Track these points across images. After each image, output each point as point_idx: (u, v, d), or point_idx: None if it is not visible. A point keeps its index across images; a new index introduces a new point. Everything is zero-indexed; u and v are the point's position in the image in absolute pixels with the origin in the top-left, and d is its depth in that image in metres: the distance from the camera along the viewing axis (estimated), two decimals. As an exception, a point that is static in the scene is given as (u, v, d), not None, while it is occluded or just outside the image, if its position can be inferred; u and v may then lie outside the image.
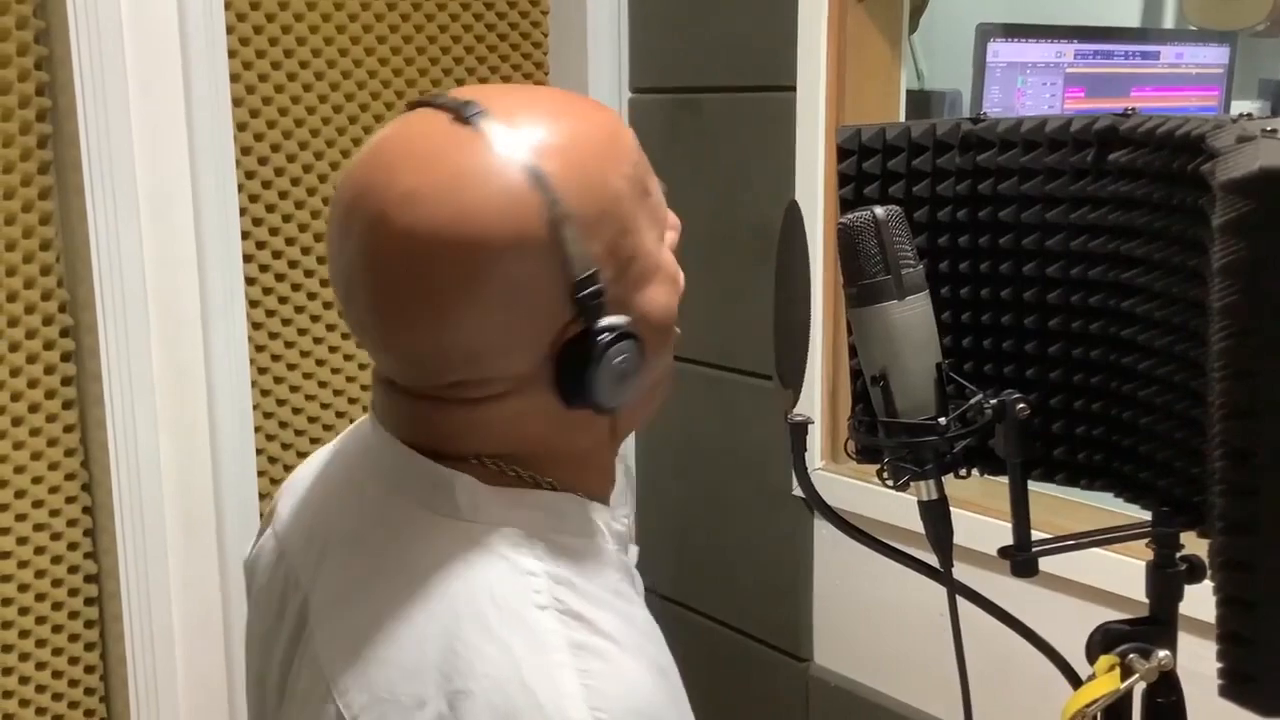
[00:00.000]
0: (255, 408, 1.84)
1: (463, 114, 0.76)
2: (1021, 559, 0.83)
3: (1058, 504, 1.36)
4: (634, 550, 0.89)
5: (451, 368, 0.78)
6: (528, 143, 0.75)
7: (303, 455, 1.91)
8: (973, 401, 0.81)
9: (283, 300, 1.87)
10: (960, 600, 0.84)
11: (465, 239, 0.74)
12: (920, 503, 0.83)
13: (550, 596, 0.76)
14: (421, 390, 0.80)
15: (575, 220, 0.74)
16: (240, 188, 1.79)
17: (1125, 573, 1.31)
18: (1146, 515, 0.84)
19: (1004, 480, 0.83)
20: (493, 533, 0.78)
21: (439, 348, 0.77)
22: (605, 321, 0.76)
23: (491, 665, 0.73)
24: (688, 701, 0.78)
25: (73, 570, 1.73)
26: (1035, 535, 0.83)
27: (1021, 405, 0.80)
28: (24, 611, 1.69)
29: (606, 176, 0.77)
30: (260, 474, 1.85)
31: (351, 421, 1.96)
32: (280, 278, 1.87)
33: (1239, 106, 2.50)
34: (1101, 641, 0.83)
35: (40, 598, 1.70)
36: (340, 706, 0.76)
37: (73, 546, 1.72)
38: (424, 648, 0.76)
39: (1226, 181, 0.63)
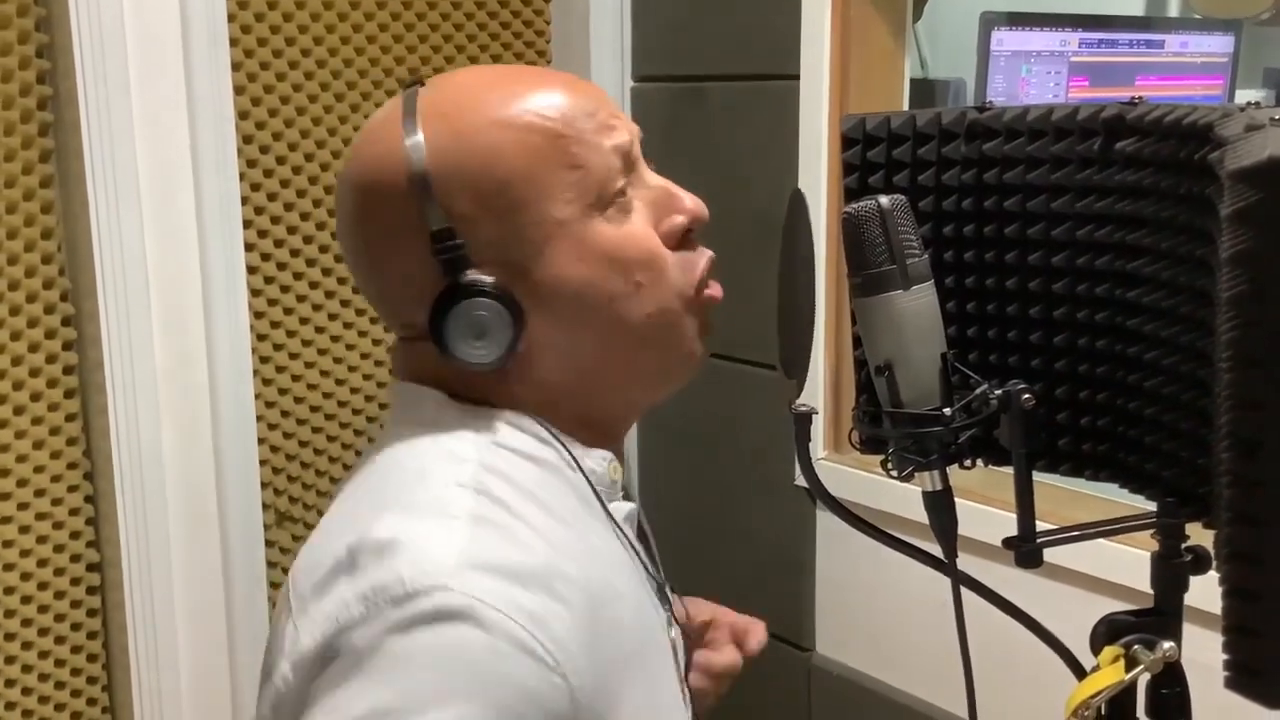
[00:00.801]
0: (257, 397, 1.84)
1: (407, 84, 0.88)
2: (1026, 550, 0.82)
3: (1062, 495, 1.36)
4: (627, 506, 0.92)
5: (387, 310, 0.90)
6: (427, 105, 0.85)
7: (305, 445, 1.92)
8: (978, 392, 0.80)
9: (285, 289, 1.87)
10: (964, 591, 0.83)
11: (352, 187, 0.88)
12: (924, 493, 0.82)
13: (474, 479, 0.82)
14: (396, 331, 0.92)
15: (438, 176, 0.83)
16: (241, 176, 1.78)
17: (1130, 564, 1.31)
18: (1152, 506, 0.84)
19: (1009, 471, 0.83)
20: (447, 433, 0.86)
21: (368, 290, 0.90)
22: (467, 277, 0.82)
23: (391, 519, 0.80)
24: (572, 616, 0.78)
25: (75, 559, 1.73)
26: (1040, 526, 0.83)
27: (1027, 395, 0.79)
28: (26, 601, 1.69)
29: (489, 138, 0.83)
30: (263, 462, 1.85)
31: (354, 410, 1.96)
32: (282, 266, 1.86)
33: (1244, 95, 2.50)
34: (1106, 633, 0.83)
35: (43, 587, 1.70)
36: (289, 587, 0.83)
37: (75, 535, 1.72)
38: (353, 518, 0.83)
39: (1235, 170, 0.63)
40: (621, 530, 0.91)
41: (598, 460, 0.90)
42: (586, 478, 0.88)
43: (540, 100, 0.86)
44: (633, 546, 0.91)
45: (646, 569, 0.94)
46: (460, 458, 0.83)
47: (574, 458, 0.87)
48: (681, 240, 0.90)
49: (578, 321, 0.86)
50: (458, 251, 0.83)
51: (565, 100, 0.86)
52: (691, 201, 0.90)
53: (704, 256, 0.91)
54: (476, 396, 0.88)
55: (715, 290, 0.92)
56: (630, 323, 0.87)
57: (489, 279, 0.83)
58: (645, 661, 0.88)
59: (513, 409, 0.87)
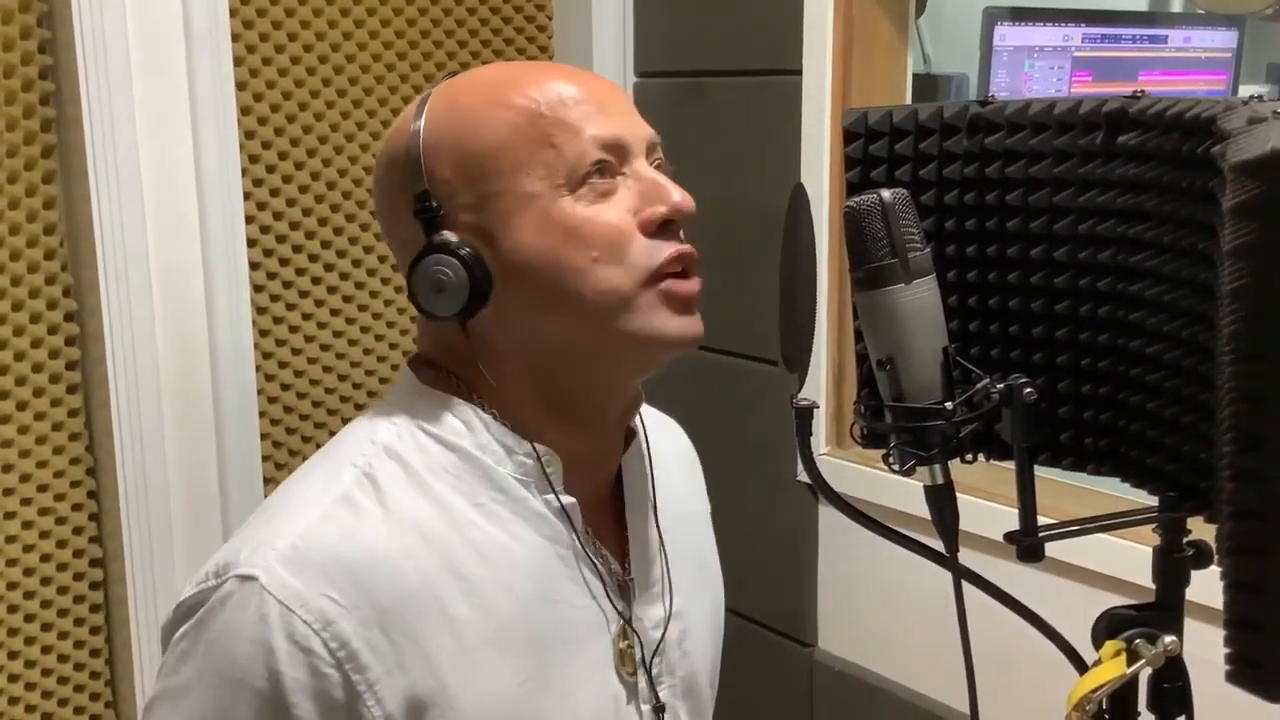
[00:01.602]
0: (259, 391, 1.84)
1: (446, 74, 0.98)
2: (1027, 544, 0.82)
3: (1064, 489, 1.36)
4: (565, 500, 0.94)
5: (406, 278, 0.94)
6: (444, 87, 0.94)
7: (307, 439, 1.92)
8: (979, 386, 0.80)
9: (287, 284, 1.87)
10: (966, 585, 0.83)
11: (378, 157, 0.97)
12: (926, 488, 0.82)
13: (368, 461, 0.90)
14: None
15: (428, 145, 0.91)
16: (243, 173, 1.79)
17: (1132, 558, 1.31)
18: (1153, 501, 0.84)
19: (1010, 465, 0.83)
20: (387, 412, 0.94)
21: (396, 258, 0.98)
22: (438, 237, 0.90)
23: (285, 486, 0.93)
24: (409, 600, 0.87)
25: (78, 554, 1.73)
26: (1041, 520, 0.82)
27: (1028, 390, 0.79)
28: (29, 595, 1.69)
29: (477, 113, 0.91)
30: (265, 457, 1.86)
31: (356, 406, 1.96)
32: (284, 262, 1.86)
33: (1247, 90, 2.49)
34: (1107, 627, 0.82)
35: (45, 581, 1.71)
36: None
37: (78, 530, 1.73)
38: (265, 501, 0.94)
39: (1237, 163, 0.63)
40: (572, 521, 0.94)
41: (528, 454, 0.93)
42: (529, 468, 0.93)
43: (532, 85, 0.91)
44: (577, 541, 0.94)
45: (596, 565, 0.96)
46: (374, 438, 0.92)
47: (504, 450, 0.92)
48: (659, 230, 0.91)
49: (540, 294, 0.90)
50: (434, 213, 0.90)
51: (556, 87, 0.91)
52: (678, 195, 0.91)
53: (674, 246, 0.92)
54: (457, 379, 0.94)
55: (684, 284, 0.92)
56: (584, 296, 0.89)
57: (454, 238, 0.90)
58: (520, 652, 0.91)
59: (480, 394, 0.93)
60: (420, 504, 0.90)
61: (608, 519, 1.00)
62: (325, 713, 0.83)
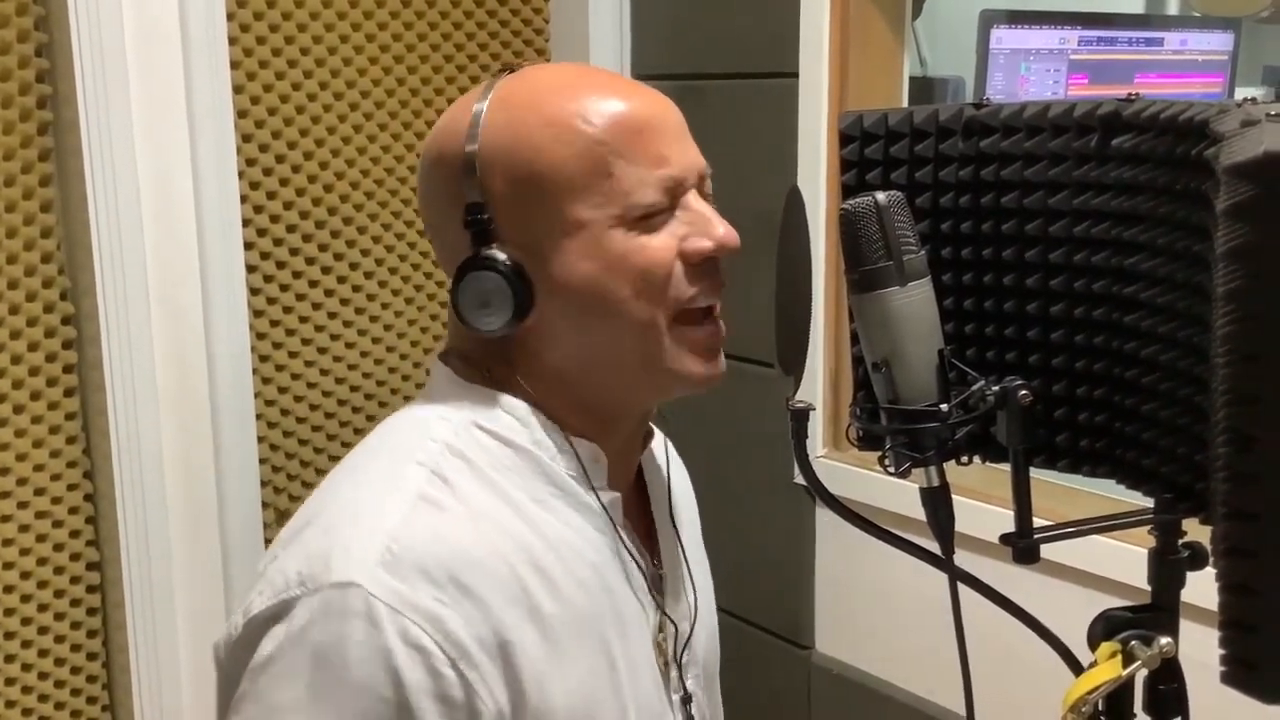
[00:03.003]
0: (256, 395, 1.84)
1: (502, 69, 0.95)
2: (1023, 546, 0.82)
3: (1060, 491, 1.36)
4: (612, 496, 0.95)
5: (447, 274, 0.94)
6: (501, 91, 0.92)
7: (304, 443, 1.92)
8: (975, 388, 0.80)
9: (284, 288, 1.87)
10: (962, 587, 0.83)
11: (425, 155, 0.96)
12: (921, 490, 0.82)
13: (433, 459, 0.89)
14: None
15: (483, 155, 0.90)
16: (240, 174, 1.78)
17: (1127, 560, 1.31)
18: (1149, 502, 0.84)
19: (1005, 467, 0.83)
20: (437, 409, 0.94)
21: (437, 255, 0.98)
22: (488, 250, 0.89)
23: (349, 489, 0.90)
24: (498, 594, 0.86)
25: (75, 557, 1.73)
26: (1037, 522, 0.83)
27: (1024, 392, 0.79)
28: (26, 599, 1.69)
29: (536, 133, 0.90)
30: (262, 461, 1.86)
31: (353, 409, 1.97)
32: (281, 265, 1.86)
33: (1243, 93, 2.49)
34: (1103, 628, 0.83)
35: (42, 585, 1.70)
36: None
37: (75, 534, 1.73)
38: (331, 480, 0.93)
39: (1230, 166, 0.63)
40: (611, 516, 0.95)
41: (581, 450, 0.94)
42: (574, 464, 0.93)
43: (593, 107, 0.90)
44: (619, 535, 0.95)
45: (635, 559, 0.97)
46: (432, 435, 0.91)
47: (555, 446, 0.92)
48: (701, 263, 0.92)
49: (580, 315, 0.90)
50: (484, 226, 0.90)
51: (619, 112, 0.90)
52: (723, 230, 0.92)
53: (706, 289, 0.93)
54: (493, 374, 0.94)
55: (710, 332, 0.94)
56: (623, 326, 0.90)
57: (503, 256, 0.89)
58: (593, 642, 0.92)
59: (517, 391, 0.93)
60: (493, 500, 0.89)
61: (634, 515, 1.02)
62: (448, 713, 0.83)
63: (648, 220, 0.90)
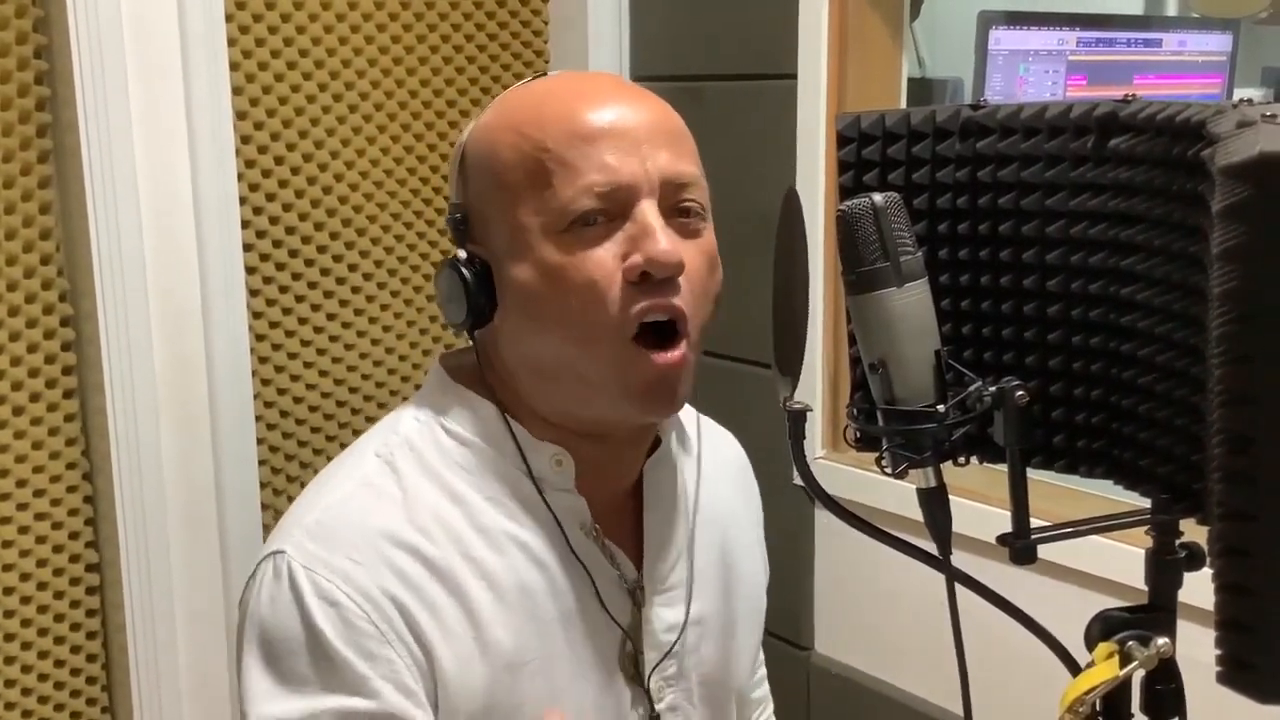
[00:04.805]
0: (256, 397, 1.84)
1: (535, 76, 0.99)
2: (1020, 546, 0.82)
3: (1056, 492, 1.36)
4: (570, 500, 0.96)
5: None
6: (502, 96, 0.98)
7: (303, 443, 1.92)
8: (972, 389, 0.80)
9: (283, 289, 1.87)
10: (960, 588, 0.83)
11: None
12: (919, 490, 0.83)
13: (389, 451, 0.96)
14: None
15: (467, 157, 0.96)
16: (239, 176, 1.79)
17: (1124, 560, 1.31)
18: (1146, 503, 0.84)
19: (1003, 468, 0.83)
20: (414, 407, 0.99)
21: None
22: (458, 250, 0.94)
23: (323, 476, 0.98)
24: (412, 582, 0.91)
25: (74, 559, 1.73)
26: (1034, 523, 0.83)
27: (1020, 392, 0.79)
28: (25, 601, 1.69)
29: (499, 139, 0.93)
30: (261, 463, 1.86)
31: (352, 410, 1.97)
32: (281, 266, 1.86)
33: (1242, 94, 2.49)
34: (1100, 629, 0.83)
35: (42, 587, 1.70)
36: None
37: (74, 536, 1.73)
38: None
39: (1226, 166, 0.63)
40: (560, 521, 0.96)
41: (539, 453, 0.95)
42: (530, 469, 0.95)
43: (553, 113, 0.91)
44: (566, 540, 0.96)
45: (608, 564, 0.97)
46: (397, 430, 0.97)
47: (514, 447, 0.95)
48: (641, 279, 0.89)
49: (525, 321, 0.93)
50: (459, 225, 0.95)
51: (574, 120, 0.90)
52: (663, 245, 0.88)
53: (650, 300, 0.89)
54: (478, 375, 0.98)
55: (661, 357, 0.90)
56: (565, 340, 0.90)
57: (464, 256, 0.94)
58: (528, 639, 0.93)
59: (491, 389, 0.97)
60: (435, 493, 0.94)
61: (627, 522, 1.01)
62: (369, 664, 0.87)
63: (585, 231, 0.89)
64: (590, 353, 0.90)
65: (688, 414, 1.09)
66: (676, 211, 0.92)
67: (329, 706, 0.86)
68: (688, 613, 1.02)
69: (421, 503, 0.93)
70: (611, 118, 0.90)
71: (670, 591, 1.01)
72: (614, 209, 0.89)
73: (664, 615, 1.00)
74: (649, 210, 0.90)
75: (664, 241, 0.88)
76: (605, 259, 0.89)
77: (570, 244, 0.89)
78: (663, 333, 0.90)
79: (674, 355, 0.90)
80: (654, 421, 0.98)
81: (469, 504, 0.94)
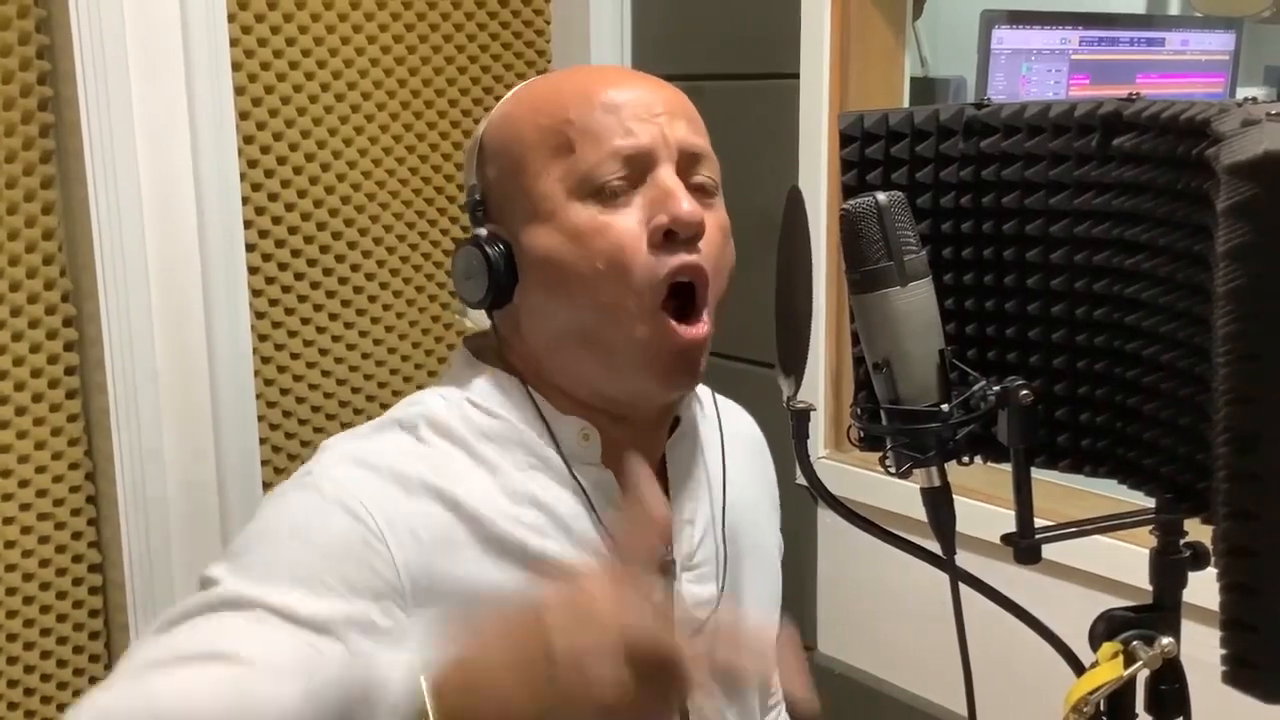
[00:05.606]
0: (258, 396, 1.84)
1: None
2: (1024, 546, 0.82)
3: (1061, 491, 1.36)
4: (596, 473, 0.96)
5: None
6: (519, 86, 1.00)
7: (306, 444, 1.92)
8: (976, 388, 0.80)
9: (286, 289, 1.87)
10: (964, 588, 0.83)
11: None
12: (923, 490, 0.82)
13: (412, 421, 0.95)
14: None
15: (485, 142, 0.97)
16: (242, 177, 1.79)
17: (1128, 560, 1.31)
18: (1150, 502, 0.84)
19: (1007, 467, 0.82)
20: (441, 385, 0.99)
21: None
22: (476, 230, 0.95)
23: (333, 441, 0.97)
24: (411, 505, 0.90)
25: (77, 559, 1.73)
26: (1038, 522, 0.82)
27: (1025, 392, 0.79)
28: (28, 601, 1.69)
29: (519, 120, 0.95)
30: (264, 462, 1.86)
31: (355, 410, 1.96)
32: (283, 266, 1.86)
33: (1245, 93, 2.49)
34: (1105, 628, 0.83)
35: (45, 587, 1.71)
36: None
37: (77, 535, 1.73)
38: None
39: (1231, 165, 0.63)
40: (590, 494, 0.96)
41: (566, 427, 0.96)
42: (556, 441, 0.96)
43: (569, 91, 0.94)
44: (595, 513, 0.96)
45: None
46: (419, 403, 0.97)
47: (541, 421, 0.96)
48: (665, 240, 0.91)
49: (550, 290, 0.93)
50: (476, 208, 0.96)
51: (596, 92, 0.93)
52: (686, 205, 0.91)
53: (677, 259, 0.91)
54: (500, 354, 0.99)
55: (685, 331, 0.92)
56: (587, 308, 0.91)
57: (485, 234, 0.95)
58: None
59: (514, 368, 0.98)
60: (463, 458, 0.94)
61: None
62: (345, 589, 0.85)
63: (609, 196, 0.91)
64: (615, 320, 0.91)
65: (703, 390, 1.10)
66: (691, 187, 0.94)
67: (273, 604, 0.84)
68: (721, 589, 1.02)
69: (450, 464, 0.93)
70: (630, 93, 0.94)
71: (700, 569, 1.01)
72: (635, 175, 0.92)
73: (695, 591, 1.01)
74: (669, 174, 0.93)
75: (686, 202, 0.91)
76: (630, 223, 0.91)
77: (594, 211, 0.91)
78: (684, 304, 0.92)
79: (698, 330, 0.93)
80: (675, 398, 0.98)
81: (499, 470, 0.94)
